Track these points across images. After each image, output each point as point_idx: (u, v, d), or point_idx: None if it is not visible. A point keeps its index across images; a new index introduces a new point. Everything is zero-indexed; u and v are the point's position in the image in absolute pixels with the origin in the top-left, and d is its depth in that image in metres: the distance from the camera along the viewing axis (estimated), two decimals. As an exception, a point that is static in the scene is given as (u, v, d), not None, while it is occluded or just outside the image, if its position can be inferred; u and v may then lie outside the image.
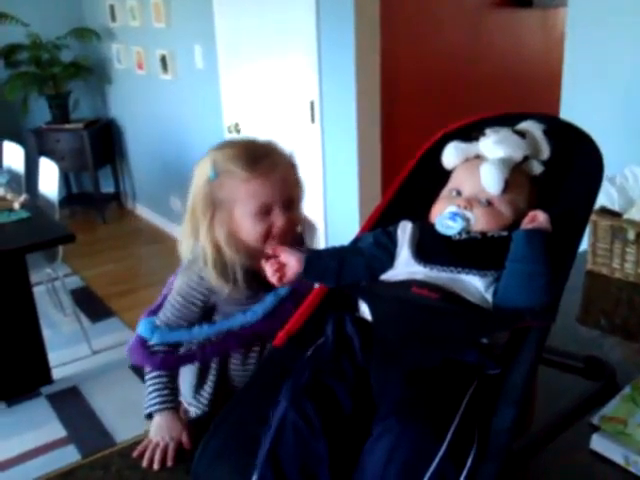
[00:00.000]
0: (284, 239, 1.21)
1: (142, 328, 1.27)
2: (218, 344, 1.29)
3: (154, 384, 1.23)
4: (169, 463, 1.08)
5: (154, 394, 1.22)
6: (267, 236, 1.21)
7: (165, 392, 1.22)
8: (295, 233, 1.27)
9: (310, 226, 1.35)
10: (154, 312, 1.31)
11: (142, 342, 1.26)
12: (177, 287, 1.27)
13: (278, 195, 1.19)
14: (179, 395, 1.31)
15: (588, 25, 1.97)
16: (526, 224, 0.96)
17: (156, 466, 1.08)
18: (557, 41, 2.87)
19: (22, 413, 2.86)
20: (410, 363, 0.89)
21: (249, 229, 1.20)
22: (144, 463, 1.08)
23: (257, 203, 1.18)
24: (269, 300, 1.27)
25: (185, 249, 1.28)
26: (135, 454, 1.11)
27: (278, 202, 1.20)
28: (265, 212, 1.19)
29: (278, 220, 1.20)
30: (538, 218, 0.96)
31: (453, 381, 0.87)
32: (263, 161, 1.19)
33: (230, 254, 1.21)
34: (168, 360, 1.26)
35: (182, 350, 1.28)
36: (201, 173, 1.22)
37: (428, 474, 0.78)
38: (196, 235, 1.24)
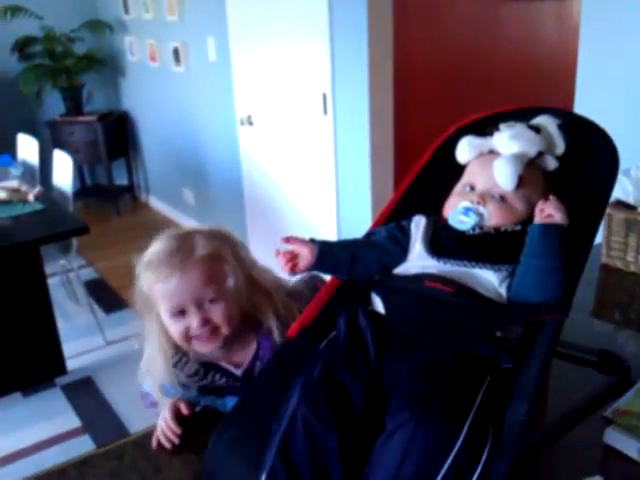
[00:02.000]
0: (210, 338, 1.16)
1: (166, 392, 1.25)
2: None
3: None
4: (177, 431, 1.12)
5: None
6: (188, 337, 1.16)
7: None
8: (231, 327, 1.17)
9: (299, 295, 1.26)
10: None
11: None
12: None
13: (186, 295, 1.13)
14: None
15: (603, 17, 1.95)
16: (541, 217, 0.95)
17: (167, 445, 1.10)
18: (572, 33, 2.84)
19: (37, 403, 2.89)
20: (424, 357, 0.89)
21: (170, 329, 1.18)
22: (153, 444, 1.12)
23: (168, 303, 1.15)
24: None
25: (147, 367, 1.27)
26: (154, 445, 1.12)
27: (189, 302, 1.14)
28: (179, 313, 1.15)
29: (192, 321, 1.14)
30: (555, 215, 0.94)
31: (467, 375, 0.87)
32: (170, 260, 1.14)
33: (166, 353, 1.20)
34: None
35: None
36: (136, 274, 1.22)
37: (444, 469, 0.78)
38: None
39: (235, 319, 1.18)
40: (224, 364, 1.24)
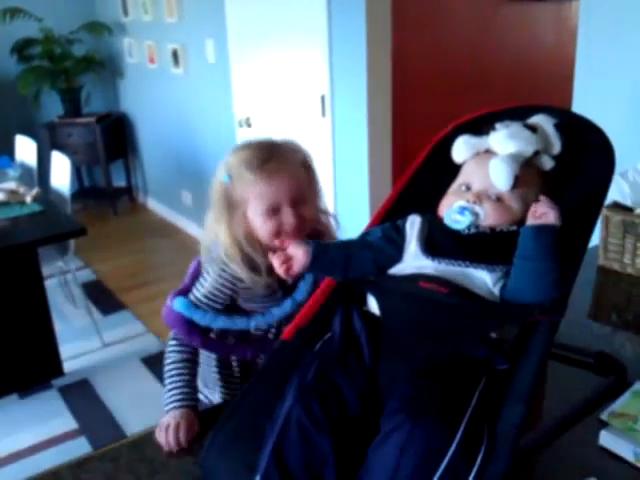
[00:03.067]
0: (296, 236, 1.23)
1: (180, 305, 1.29)
2: (256, 346, 1.34)
3: (175, 381, 1.25)
4: (183, 443, 1.10)
5: (175, 391, 1.23)
6: (278, 234, 1.24)
7: (186, 390, 1.24)
8: (309, 231, 1.29)
9: (332, 220, 1.42)
10: (181, 294, 1.33)
11: (182, 318, 1.29)
12: (202, 289, 1.30)
13: (284, 195, 1.24)
14: (197, 393, 1.31)
15: (601, 19, 1.95)
16: (533, 218, 0.95)
17: (171, 447, 1.09)
18: (570, 34, 2.84)
19: (34, 405, 2.88)
20: (419, 358, 0.89)
21: (260, 228, 1.26)
22: (161, 439, 1.10)
23: (265, 203, 1.24)
24: (286, 305, 1.30)
25: (207, 244, 1.33)
26: (158, 439, 1.12)
27: (285, 201, 1.24)
28: (273, 211, 1.24)
29: (287, 218, 1.24)
30: (548, 215, 0.94)
31: (462, 377, 0.87)
32: (269, 163, 1.24)
33: (249, 250, 1.27)
34: (219, 346, 1.34)
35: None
36: (218, 175, 1.29)
37: (439, 472, 0.77)
38: (218, 231, 1.29)
39: (314, 223, 1.32)
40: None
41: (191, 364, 1.30)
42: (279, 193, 1.24)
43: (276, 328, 1.34)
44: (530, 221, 0.95)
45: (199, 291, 1.30)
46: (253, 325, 1.31)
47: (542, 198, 0.97)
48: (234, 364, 1.40)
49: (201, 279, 1.32)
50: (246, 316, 1.32)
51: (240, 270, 1.27)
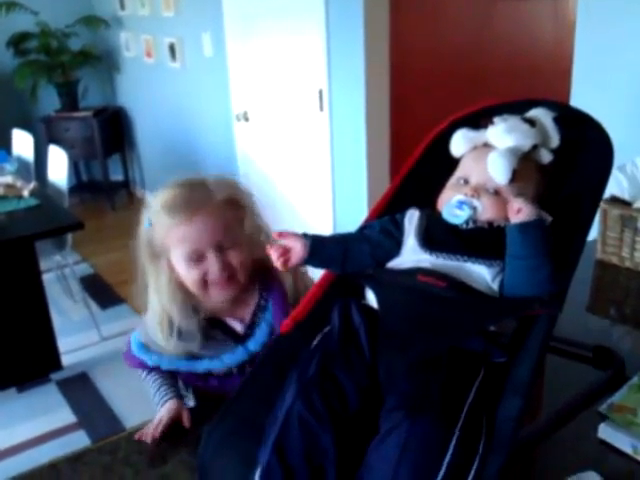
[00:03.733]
0: (226, 285, 1.17)
1: (134, 344, 1.28)
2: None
3: (154, 386, 1.25)
4: (156, 435, 1.10)
5: (157, 394, 1.23)
6: (205, 283, 1.16)
7: (165, 387, 1.24)
8: (244, 275, 1.19)
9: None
10: None
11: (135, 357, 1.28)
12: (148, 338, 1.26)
13: (207, 239, 1.14)
14: (179, 388, 1.30)
15: (599, 14, 1.94)
16: (513, 216, 0.94)
17: (147, 439, 1.09)
18: (568, 29, 2.84)
19: (32, 399, 2.89)
20: (416, 352, 0.88)
21: (185, 276, 1.17)
22: (139, 436, 1.11)
23: (186, 249, 1.15)
24: (238, 353, 1.24)
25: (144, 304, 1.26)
26: (136, 436, 1.12)
27: (209, 246, 1.14)
28: (197, 258, 1.15)
29: (212, 266, 1.15)
30: (523, 210, 0.93)
31: (460, 371, 0.87)
32: (189, 204, 1.14)
33: (178, 313, 1.18)
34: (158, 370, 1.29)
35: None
36: (141, 224, 1.21)
37: (442, 470, 0.77)
38: (145, 289, 1.22)
39: (249, 268, 1.18)
40: (228, 319, 1.24)
41: (169, 376, 1.28)
42: (201, 237, 1.13)
43: (238, 368, 1.26)
44: (511, 219, 0.95)
45: (147, 334, 1.25)
46: (201, 369, 1.25)
47: (512, 198, 0.96)
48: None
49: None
50: (194, 359, 1.24)
51: (169, 346, 1.19)
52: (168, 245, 1.16)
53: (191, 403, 1.34)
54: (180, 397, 1.24)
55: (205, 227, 1.13)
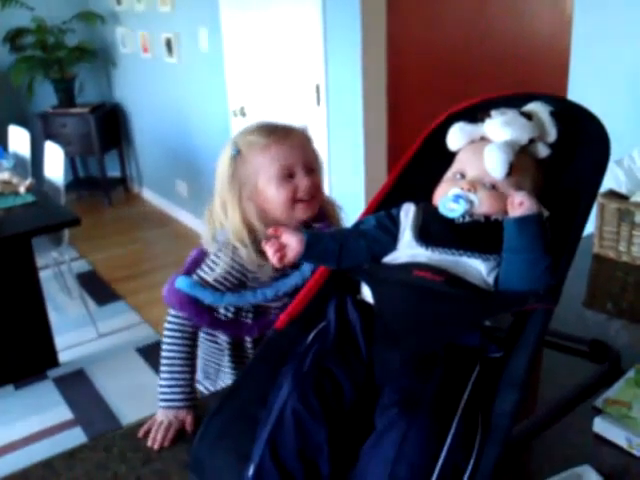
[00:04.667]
0: (311, 204, 1.26)
1: (184, 284, 1.25)
2: (265, 322, 1.32)
3: (176, 378, 1.20)
4: (165, 444, 1.09)
5: (175, 389, 1.19)
6: (293, 200, 1.24)
7: (186, 389, 1.20)
8: (320, 202, 1.30)
9: (335, 204, 1.41)
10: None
11: (187, 297, 1.24)
12: (210, 272, 1.26)
13: (298, 157, 1.24)
14: (194, 389, 1.26)
15: (596, 6, 1.94)
16: (513, 210, 0.94)
17: (156, 446, 1.08)
18: (565, 22, 2.83)
19: (29, 396, 2.88)
20: (412, 347, 0.88)
21: (274, 196, 1.24)
22: (149, 442, 1.09)
23: (278, 166, 1.23)
24: (294, 276, 1.28)
25: (210, 233, 1.29)
26: (140, 434, 1.11)
27: (299, 164, 1.24)
28: (288, 175, 1.24)
29: (302, 182, 1.24)
30: (524, 204, 0.93)
31: (456, 366, 0.87)
32: (279, 129, 1.26)
33: (262, 229, 1.24)
34: (215, 320, 1.29)
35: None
36: (223, 157, 1.28)
37: (439, 467, 0.77)
38: (225, 217, 1.27)
39: (323, 193, 1.32)
40: None
41: (191, 357, 1.25)
42: (292, 155, 1.24)
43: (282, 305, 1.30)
44: (510, 212, 0.95)
45: (206, 274, 1.26)
46: (260, 297, 1.28)
47: (514, 192, 0.96)
48: (248, 346, 1.37)
49: (208, 263, 1.27)
50: (252, 290, 1.28)
51: (248, 256, 1.23)
52: (258, 167, 1.23)
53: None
54: (190, 404, 1.19)
55: (296, 147, 1.25)
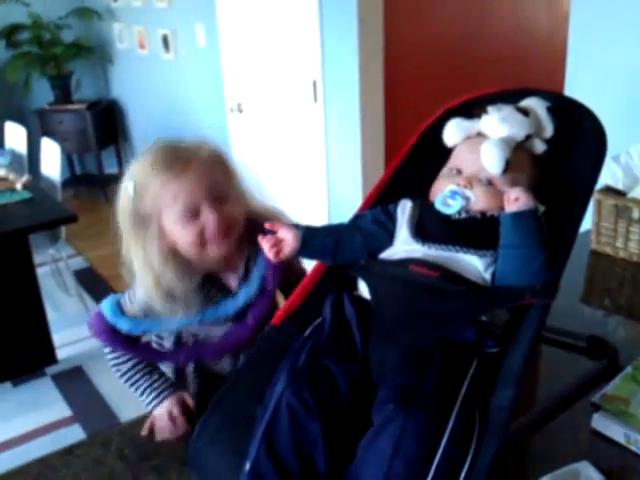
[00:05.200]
0: (223, 240, 1.13)
1: (107, 307, 1.18)
2: (189, 350, 1.23)
3: (144, 381, 1.20)
4: (180, 431, 1.09)
5: (149, 390, 1.19)
6: (202, 240, 1.11)
7: (159, 383, 1.19)
8: (238, 230, 1.16)
9: (279, 215, 1.28)
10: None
11: (105, 323, 1.18)
12: (130, 303, 1.20)
13: (202, 190, 1.10)
14: (170, 378, 1.25)
15: (593, 2, 1.93)
16: (509, 205, 0.94)
17: (169, 435, 1.08)
18: (562, 17, 2.83)
19: (27, 393, 2.88)
20: (409, 343, 0.88)
21: (181, 238, 1.12)
22: (157, 437, 1.09)
23: (181, 205, 1.09)
24: (228, 305, 1.19)
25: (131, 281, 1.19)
26: (144, 432, 1.10)
27: (204, 199, 1.10)
28: (193, 214, 1.10)
29: (209, 220, 1.10)
30: (520, 199, 0.93)
31: (453, 361, 0.87)
32: (177, 160, 1.11)
33: (172, 278, 1.12)
34: (148, 351, 1.23)
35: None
36: (123, 194, 1.15)
37: (436, 461, 0.77)
38: (131, 263, 1.16)
39: (242, 221, 1.17)
40: (222, 275, 1.20)
41: (143, 364, 1.22)
42: (194, 190, 1.09)
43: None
44: (507, 208, 0.95)
45: (127, 304, 1.19)
46: (179, 324, 1.18)
47: (511, 188, 0.96)
48: (190, 377, 1.29)
49: (130, 294, 1.20)
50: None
51: (166, 310, 1.13)
52: (159, 207, 1.11)
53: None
54: (173, 387, 1.20)
55: (198, 180, 1.10)
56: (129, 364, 1.22)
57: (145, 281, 1.14)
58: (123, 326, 1.17)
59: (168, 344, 1.26)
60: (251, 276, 1.20)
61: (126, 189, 1.13)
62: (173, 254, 1.13)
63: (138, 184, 1.12)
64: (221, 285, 1.20)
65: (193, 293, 1.14)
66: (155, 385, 1.19)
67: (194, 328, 1.21)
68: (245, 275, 1.21)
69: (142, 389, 1.20)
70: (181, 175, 1.09)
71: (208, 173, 1.12)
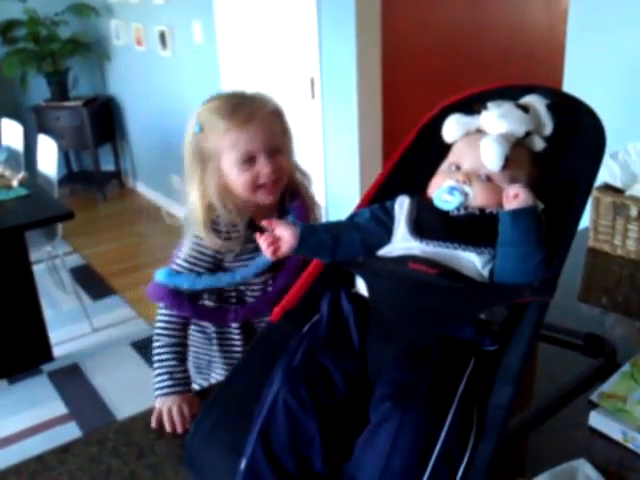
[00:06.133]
0: (273, 188, 1.23)
1: (161, 275, 1.25)
2: (246, 307, 1.31)
3: (169, 365, 1.21)
4: (187, 425, 1.09)
5: (167, 375, 1.19)
6: (255, 185, 1.21)
7: (180, 375, 1.20)
8: (285, 182, 1.27)
9: (307, 177, 1.38)
10: None
11: (166, 288, 1.25)
12: (182, 255, 1.27)
13: (260, 143, 1.20)
14: (190, 378, 1.27)
15: (593, -2, 1.93)
16: (508, 202, 0.94)
17: (179, 429, 1.08)
18: (561, 13, 2.83)
19: (23, 390, 2.87)
20: (407, 341, 0.88)
21: (236, 180, 1.21)
22: (167, 428, 1.09)
23: (239, 152, 1.19)
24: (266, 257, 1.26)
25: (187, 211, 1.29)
26: (154, 424, 1.10)
27: (261, 150, 1.20)
28: (249, 161, 1.20)
29: (263, 168, 1.20)
30: (520, 196, 0.93)
31: (451, 359, 0.86)
32: (242, 110, 1.20)
33: (222, 208, 1.22)
34: (207, 311, 1.30)
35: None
36: (189, 128, 1.25)
37: (433, 459, 0.77)
38: (191, 194, 1.25)
39: (289, 174, 1.28)
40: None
41: (182, 348, 1.25)
42: (254, 141, 1.19)
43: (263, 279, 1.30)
44: (506, 205, 0.94)
45: (179, 257, 1.26)
46: (238, 277, 1.27)
47: (510, 185, 0.96)
48: (235, 333, 1.35)
49: (180, 248, 1.28)
50: (230, 272, 1.27)
51: (210, 239, 1.22)
52: (220, 149, 1.20)
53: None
54: (190, 388, 1.21)
55: (258, 132, 1.19)
56: (173, 340, 1.25)
57: (198, 213, 1.23)
58: (184, 283, 1.24)
59: (210, 303, 1.32)
60: None
61: (191, 125, 1.24)
62: (228, 193, 1.23)
63: (204, 123, 1.22)
64: (261, 230, 1.24)
65: (240, 228, 1.23)
66: (177, 375, 1.20)
67: (247, 279, 1.28)
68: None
69: (164, 370, 1.21)
70: (243, 125, 1.19)
71: (268, 126, 1.22)
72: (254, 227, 1.24)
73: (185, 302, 1.25)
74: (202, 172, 1.23)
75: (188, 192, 1.26)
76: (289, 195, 1.32)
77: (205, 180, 1.22)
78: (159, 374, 1.20)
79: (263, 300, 1.31)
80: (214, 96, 1.27)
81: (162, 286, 1.24)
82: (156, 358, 1.23)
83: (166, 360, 1.22)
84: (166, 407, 1.12)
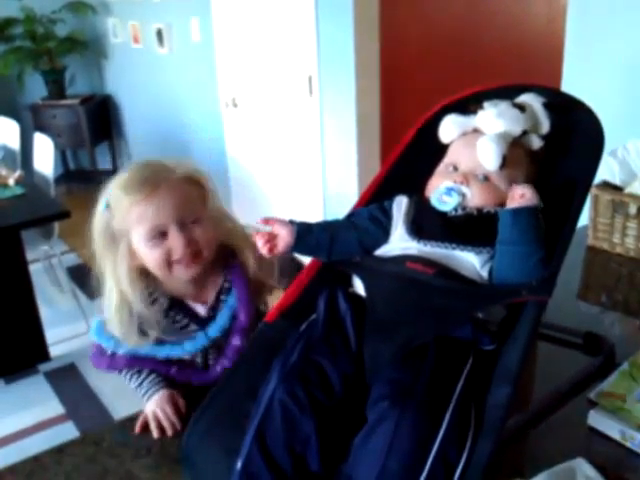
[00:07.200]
0: (191, 263, 1.12)
1: (94, 329, 1.22)
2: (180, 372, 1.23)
3: (138, 378, 1.21)
4: (177, 427, 1.08)
5: (144, 384, 1.19)
6: (168, 262, 1.11)
7: (152, 377, 1.20)
8: (209, 253, 1.15)
9: (248, 241, 1.21)
10: None
11: (101, 351, 1.23)
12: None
13: (169, 214, 1.09)
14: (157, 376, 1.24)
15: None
16: (513, 202, 0.93)
17: (169, 432, 1.07)
18: (560, 12, 2.82)
19: (20, 390, 2.86)
20: (404, 340, 0.87)
21: (147, 257, 1.12)
22: (154, 434, 1.08)
23: (147, 226, 1.09)
24: (200, 339, 1.20)
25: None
26: (138, 430, 1.10)
27: (171, 221, 1.10)
28: (159, 236, 1.10)
29: (175, 242, 1.10)
30: (526, 195, 0.93)
31: (449, 359, 0.86)
32: (148, 180, 1.10)
33: (131, 292, 1.13)
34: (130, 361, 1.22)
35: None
36: (98, 209, 1.15)
37: (430, 460, 0.76)
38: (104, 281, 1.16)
39: (214, 245, 1.15)
40: (190, 302, 1.21)
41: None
42: (161, 212, 1.09)
43: (200, 355, 1.23)
44: (509, 204, 0.94)
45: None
46: (161, 355, 1.19)
47: (514, 185, 0.96)
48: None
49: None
50: (155, 345, 1.19)
51: (119, 331, 1.14)
52: (128, 226, 1.11)
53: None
54: (168, 385, 1.20)
55: (165, 202, 1.09)
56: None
57: (113, 298, 1.14)
58: (107, 346, 1.20)
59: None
60: (221, 308, 1.20)
61: (101, 205, 1.14)
62: (141, 275, 1.14)
63: (110, 200, 1.12)
64: (188, 311, 1.20)
65: (159, 318, 1.15)
66: (151, 377, 1.20)
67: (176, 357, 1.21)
68: (214, 306, 1.21)
69: (139, 382, 1.21)
70: (149, 197, 1.09)
71: (178, 195, 1.11)
72: (180, 307, 1.19)
73: (105, 359, 1.22)
74: (113, 256, 1.13)
75: (104, 281, 1.17)
76: (226, 263, 1.21)
77: (118, 266, 1.13)
78: (137, 385, 1.21)
79: (203, 376, 1.22)
80: (124, 170, 1.17)
81: (96, 352, 1.22)
82: (129, 380, 1.23)
83: (136, 373, 1.22)
84: (149, 411, 1.12)
